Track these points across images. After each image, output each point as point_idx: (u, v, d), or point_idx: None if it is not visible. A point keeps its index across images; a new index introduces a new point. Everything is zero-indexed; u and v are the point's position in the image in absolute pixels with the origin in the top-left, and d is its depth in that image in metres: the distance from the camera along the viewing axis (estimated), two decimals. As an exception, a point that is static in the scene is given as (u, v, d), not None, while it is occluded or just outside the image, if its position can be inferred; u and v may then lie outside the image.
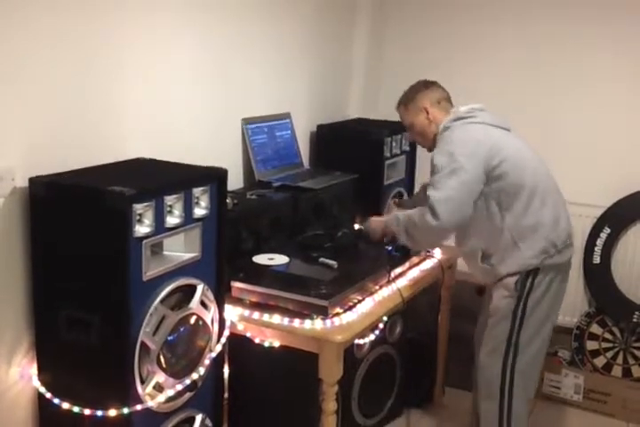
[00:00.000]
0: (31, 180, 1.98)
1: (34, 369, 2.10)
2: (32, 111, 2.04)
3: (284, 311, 2.33)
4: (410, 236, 2.58)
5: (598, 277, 3.54)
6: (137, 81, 2.41)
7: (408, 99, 2.75)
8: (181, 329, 2.11)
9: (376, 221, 2.77)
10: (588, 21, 3.46)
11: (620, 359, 3.46)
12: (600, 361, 3.49)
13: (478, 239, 2.58)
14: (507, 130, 2.66)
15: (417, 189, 3.61)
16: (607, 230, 3.50)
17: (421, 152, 3.23)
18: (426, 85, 2.74)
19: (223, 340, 2.30)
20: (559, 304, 2.66)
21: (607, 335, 3.50)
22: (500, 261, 2.55)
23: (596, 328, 3.52)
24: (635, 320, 3.41)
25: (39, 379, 2.09)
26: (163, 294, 2.01)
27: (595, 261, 3.53)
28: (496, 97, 3.65)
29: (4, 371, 2.06)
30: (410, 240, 2.61)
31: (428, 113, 2.68)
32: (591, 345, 3.52)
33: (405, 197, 3.58)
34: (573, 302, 3.59)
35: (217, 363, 2.31)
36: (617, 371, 3.45)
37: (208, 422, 2.30)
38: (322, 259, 2.57)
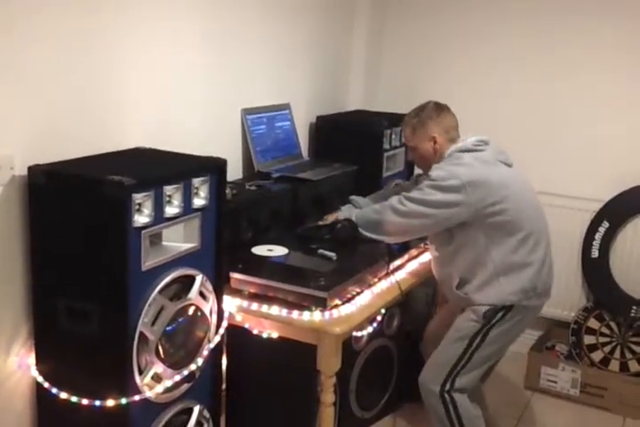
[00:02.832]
0: (30, 168, 1.97)
1: (32, 359, 2.10)
2: (31, 100, 2.03)
3: (283, 303, 2.33)
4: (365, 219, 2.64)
5: (596, 272, 3.53)
6: (137, 71, 2.39)
7: (418, 123, 2.64)
8: (180, 320, 2.11)
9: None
10: (589, 14, 3.44)
11: (617, 354, 3.45)
12: (597, 356, 3.49)
13: (459, 266, 2.56)
14: (508, 165, 2.60)
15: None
16: (606, 225, 3.49)
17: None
18: (437, 111, 2.64)
19: (222, 331, 2.30)
20: (513, 342, 2.66)
21: (605, 330, 3.49)
22: (475, 291, 2.52)
23: (593, 323, 3.52)
24: (632, 315, 3.40)
25: (37, 369, 2.08)
26: (161, 284, 2.00)
27: (593, 256, 3.52)
28: (495, 91, 3.66)
29: (3, 360, 2.06)
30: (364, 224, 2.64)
31: (435, 142, 2.61)
32: (589, 340, 3.51)
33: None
34: (571, 297, 3.59)
35: (215, 354, 2.31)
36: (614, 365, 3.45)
37: (206, 413, 2.30)
38: (321, 250, 2.56)
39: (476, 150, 2.55)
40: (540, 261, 2.54)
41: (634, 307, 3.41)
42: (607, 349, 3.47)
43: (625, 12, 3.38)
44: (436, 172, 2.51)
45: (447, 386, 2.52)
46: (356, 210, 2.73)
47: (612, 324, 3.49)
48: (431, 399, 2.56)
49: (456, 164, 2.51)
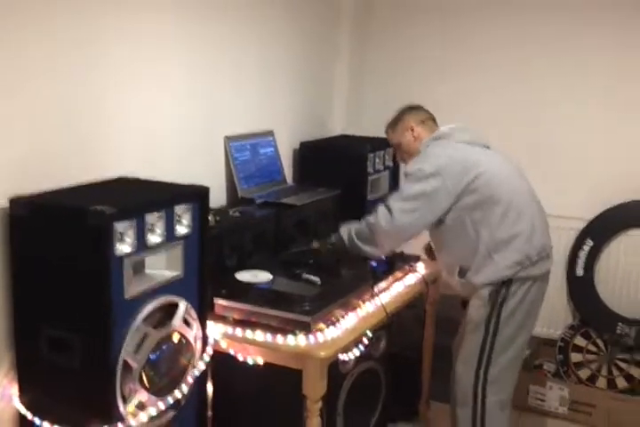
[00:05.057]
0: (12, 200, 1.98)
1: (15, 390, 2.09)
2: (12, 132, 2.04)
3: (268, 328, 2.34)
4: (359, 242, 2.69)
5: (582, 290, 3.56)
6: (120, 100, 2.42)
7: (395, 120, 2.87)
8: (164, 347, 2.11)
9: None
10: (574, 32, 3.49)
11: (604, 371, 3.47)
12: (585, 373, 3.50)
13: (454, 255, 2.64)
14: (486, 147, 2.74)
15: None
16: (590, 243, 3.53)
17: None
18: (411, 108, 2.87)
19: (206, 358, 2.30)
20: (536, 314, 2.70)
21: (591, 347, 3.51)
22: (474, 274, 2.59)
23: (580, 340, 3.54)
24: (618, 332, 3.42)
25: (20, 399, 2.07)
26: (145, 312, 2.01)
27: (578, 274, 3.55)
28: (479, 109, 3.69)
29: (-15, 392, 2.06)
30: (358, 247, 2.69)
31: (413, 131, 2.79)
32: (575, 357, 3.53)
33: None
34: (557, 315, 3.61)
35: (200, 381, 2.31)
36: (601, 383, 3.46)
37: (192, 440, 2.29)
38: (305, 275, 2.57)
39: (447, 136, 2.70)
40: (527, 231, 2.57)
41: (619, 324, 3.44)
42: (594, 366, 3.49)
43: (611, 41, 3.42)
44: (409, 167, 2.65)
45: (480, 378, 2.58)
46: (352, 227, 2.74)
47: (599, 341, 3.51)
48: (464, 396, 2.62)
49: (425, 156, 2.64)
